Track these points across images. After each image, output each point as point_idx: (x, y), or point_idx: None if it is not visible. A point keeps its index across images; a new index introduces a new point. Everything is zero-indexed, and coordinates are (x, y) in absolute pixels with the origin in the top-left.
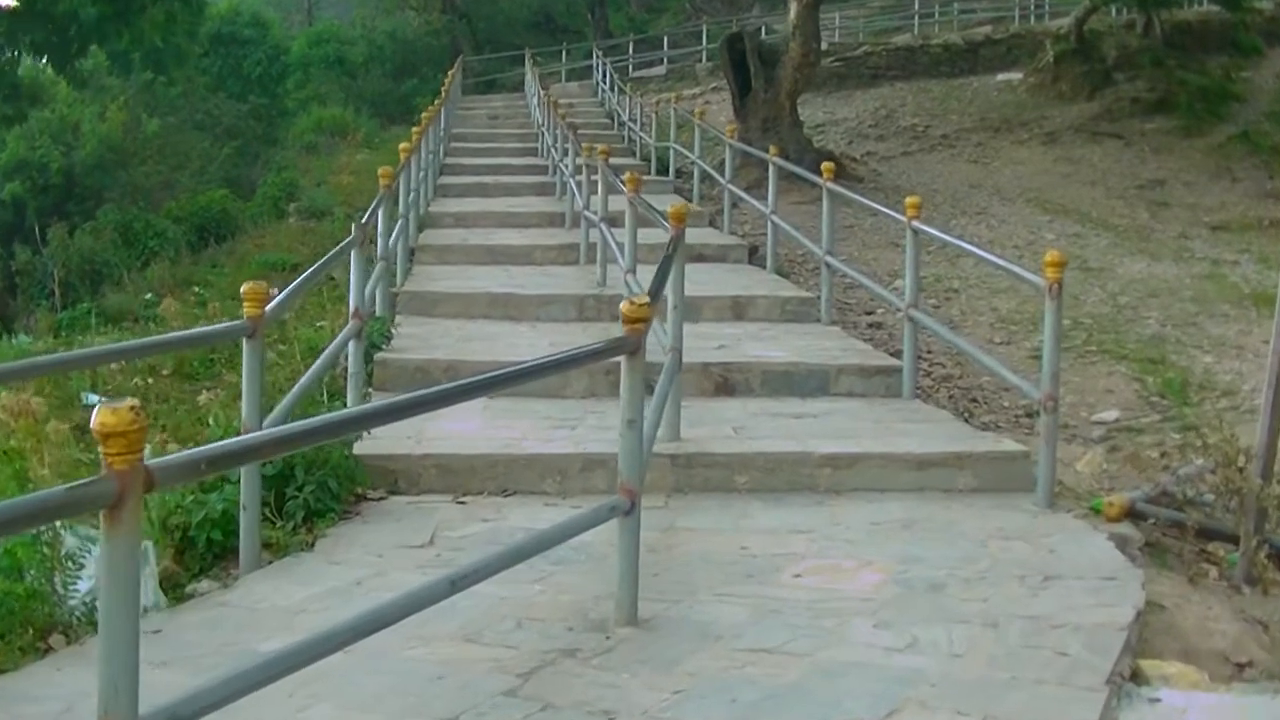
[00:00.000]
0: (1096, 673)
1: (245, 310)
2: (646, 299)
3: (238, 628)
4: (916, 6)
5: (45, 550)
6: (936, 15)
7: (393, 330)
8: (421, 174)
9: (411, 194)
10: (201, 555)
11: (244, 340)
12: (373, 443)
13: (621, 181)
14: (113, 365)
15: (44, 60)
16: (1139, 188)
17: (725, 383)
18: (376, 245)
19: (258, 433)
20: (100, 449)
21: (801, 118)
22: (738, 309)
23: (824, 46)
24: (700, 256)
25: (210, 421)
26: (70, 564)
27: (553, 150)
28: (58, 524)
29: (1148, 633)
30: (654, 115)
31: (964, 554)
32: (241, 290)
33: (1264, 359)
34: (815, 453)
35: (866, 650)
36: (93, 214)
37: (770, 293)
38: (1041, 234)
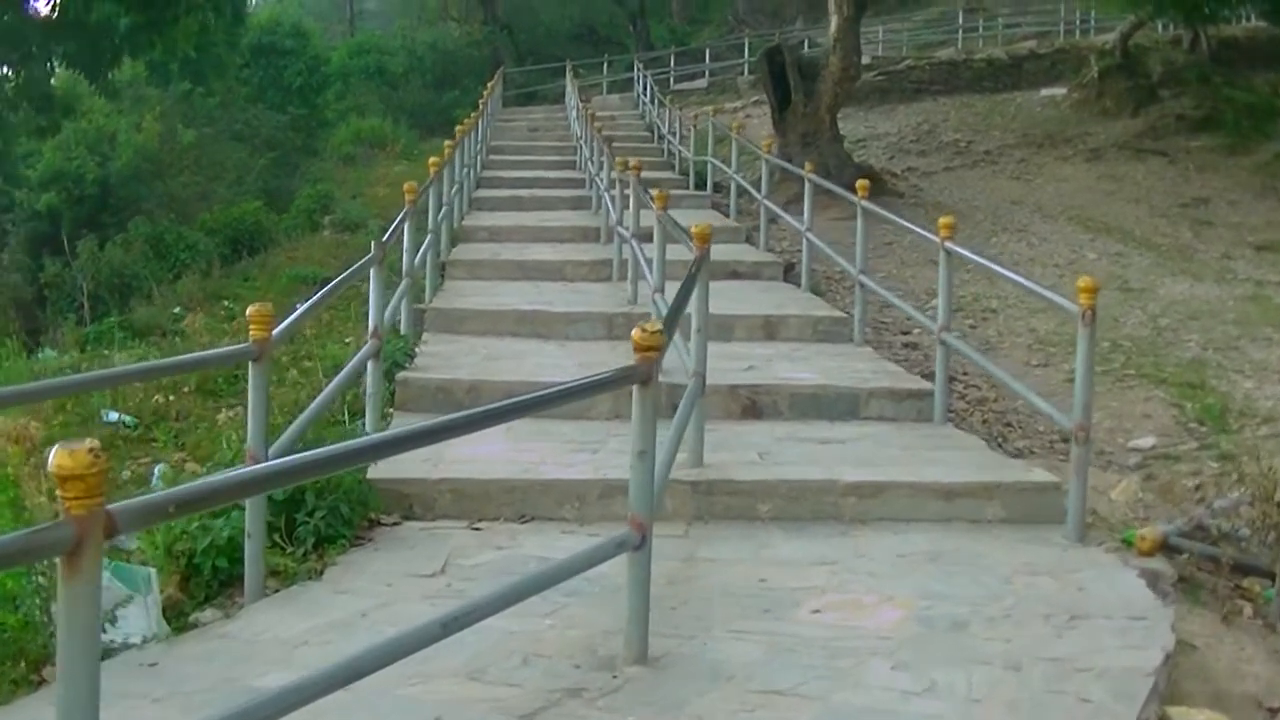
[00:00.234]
0: None
1: (251, 333)
2: (659, 326)
3: (236, 661)
4: (961, 20)
5: (40, 580)
6: (981, 29)
7: (417, 348)
8: (455, 187)
9: (444, 208)
10: (207, 583)
11: (250, 364)
12: (388, 466)
13: (651, 197)
14: (136, 383)
15: (78, 72)
16: (1183, 206)
17: (753, 405)
18: (402, 261)
19: (231, 473)
20: (58, 493)
21: (842, 132)
22: (769, 328)
23: (867, 60)
24: (734, 273)
25: (224, 444)
26: None
27: (589, 164)
28: None
29: (1177, 674)
30: (692, 129)
31: (989, 590)
32: (247, 313)
33: None
34: (840, 481)
35: (883, 694)
36: (127, 225)
37: (803, 312)
38: (1083, 253)
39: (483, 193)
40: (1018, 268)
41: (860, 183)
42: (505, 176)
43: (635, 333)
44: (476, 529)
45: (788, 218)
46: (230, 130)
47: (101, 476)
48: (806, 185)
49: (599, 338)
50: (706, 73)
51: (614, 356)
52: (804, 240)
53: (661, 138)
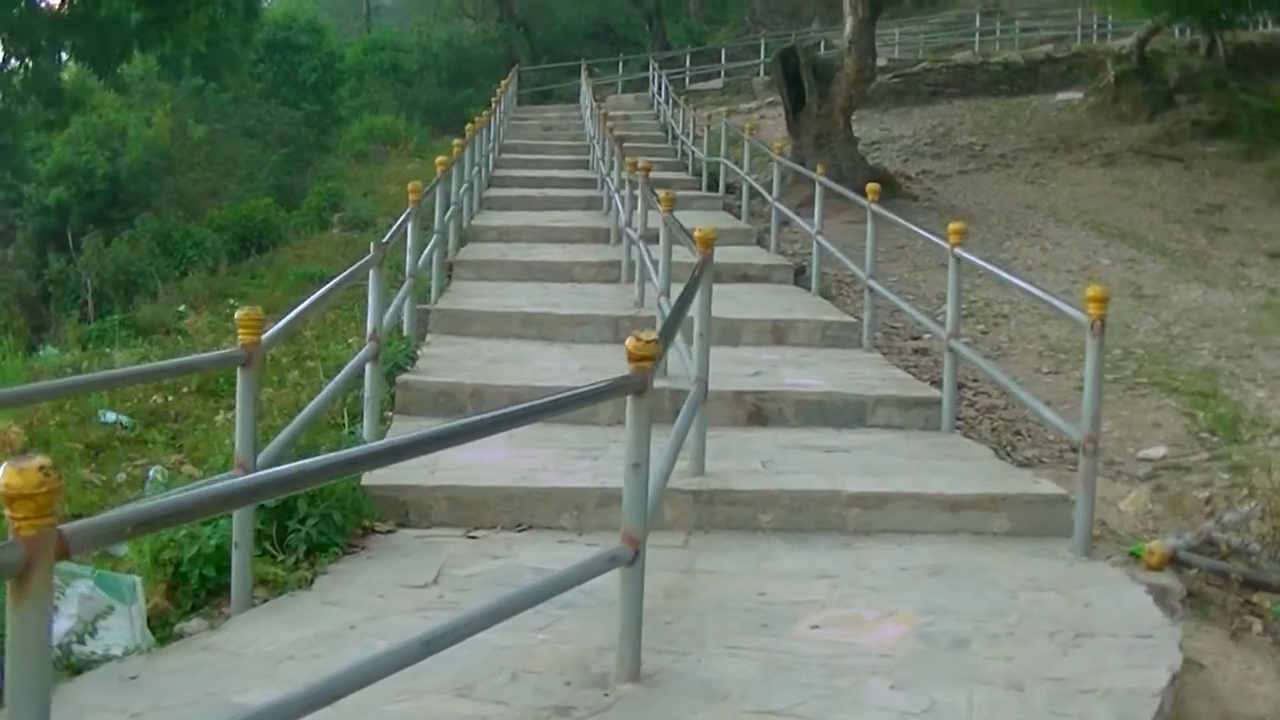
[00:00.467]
0: None
1: (240, 338)
2: (654, 336)
3: (218, 674)
4: (977, 23)
5: None
6: (998, 33)
7: (420, 350)
8: (464, 186)
9: (451, 208)
10: (194, 592)
11: (238, 369)
12: (383, 472)
13: (657, 199)
14: (137, 383)
15: (87, 66)
16: (1197, 212)
17: (758, 412)
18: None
19: (196, 490)
20: (6, 512)
21: (857, 134)
22: (778, 333)
23: (883, 62)
24: (744, 276)
25: (219, 449)
26: None
27: (600, 163)
28: None
29: (1184, 694)
30: (705, 129)
31: (992, 606)
32: (236, 317)
33: None
34: (844, 491)
35: (881, 715)
36: (135, 221)
37: (812, 316)
38: (1097, 258)
39: (494, 192)
40: (1030, 273)
41: (870, 186)
42: (517, 176)
43: (630, 342)
44: (473, 537)
45: (799, 220)
46: (243, 126)
47: (52, 496)
48: (817, 188)
49: (605, 341)
50: (722, 73)
51: (618, 360)
52: (814, 243)
53: (675, 138)
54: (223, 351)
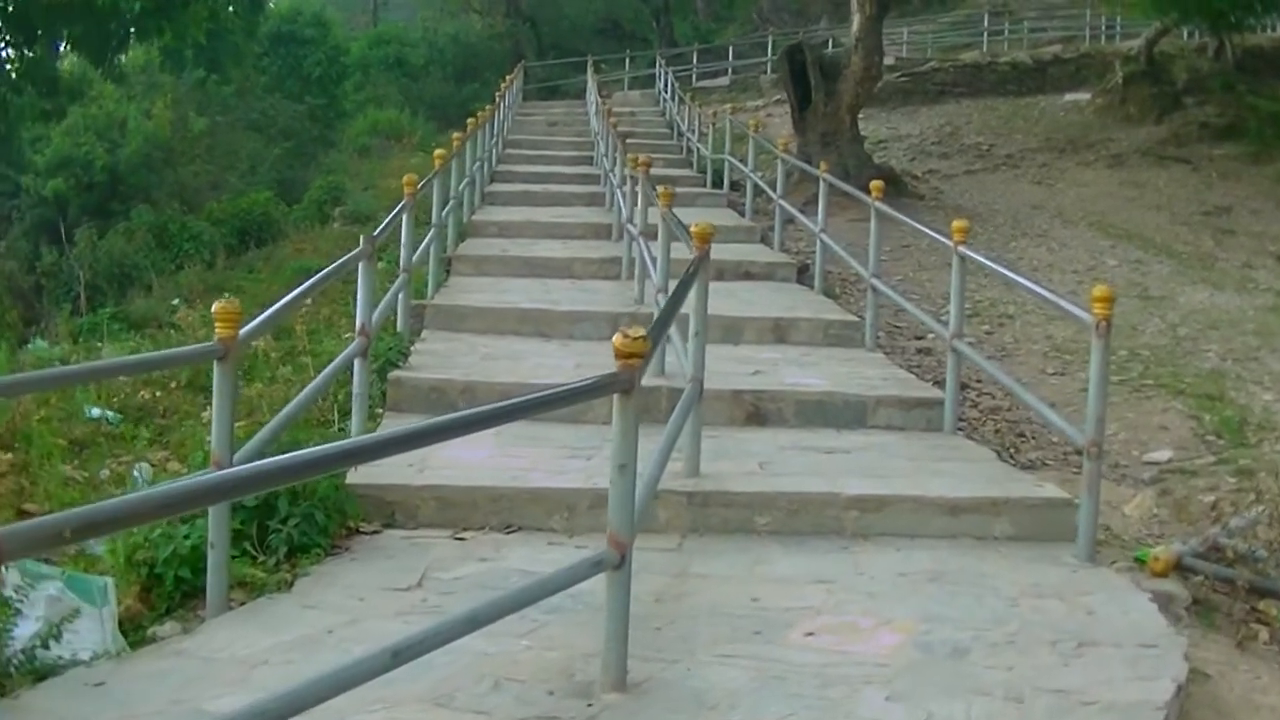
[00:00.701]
0: None
1: (217, 332)
2: (642, 332)
3: (189, 681)
4: (986, 23)
5: None
6: (1006, 33)
7: (414, 346)
8: (465, 181)
9: (450, 202)
10: (169, 593)
11: (215, 364)
12: (369, 471)
13: (656, 194)
14: (122, 377)
15: (83, 54)
16: (1205, 214)
17: (756, 412)
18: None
19: (133, 496)
20: None
21: (864, 133)
22: (779, 331)
23: (890, 61)
24: (747, 274)
25: (200, 446)
26: (8, 605)
27: (604, 159)
28: None
29: (1189, 704)
30: (711, 126)
31: (993, 613)
32: (213, 309)
33: None
34: (843, 494)
35: None
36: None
37: (814, 315)
38: (1103, 259)
39: (496, 187)
40: (1036, 273)
41: (874, 184)
42: (520, 171)
43: (617, 339)
44: (460, 539)
45: (802, 218)
46: (246, 119)
47: None
48: (821, 186)
49: (603, 338)
50: (729, 70)
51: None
52: (818, 241)
53: (681, 135)
54: (199, 346)
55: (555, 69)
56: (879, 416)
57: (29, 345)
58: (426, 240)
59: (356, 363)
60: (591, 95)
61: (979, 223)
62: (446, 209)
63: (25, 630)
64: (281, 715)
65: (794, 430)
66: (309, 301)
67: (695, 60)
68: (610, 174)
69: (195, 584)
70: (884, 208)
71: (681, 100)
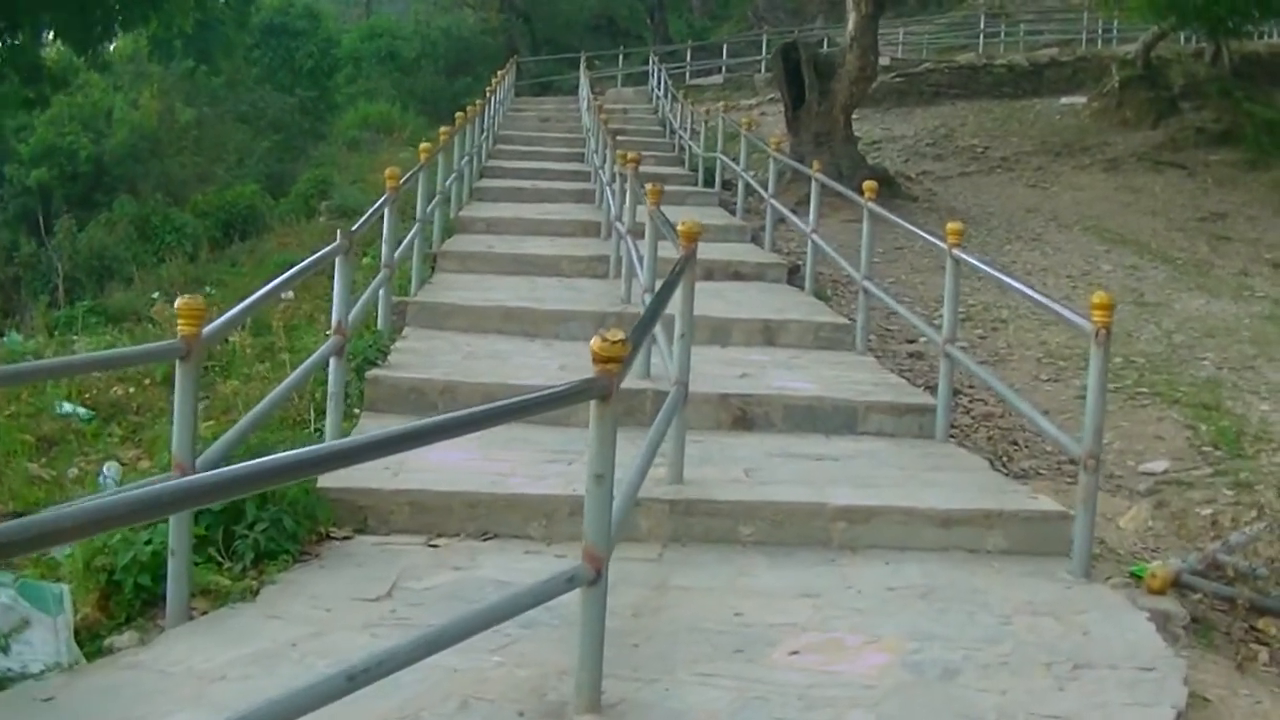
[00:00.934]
0: None
1: (179, 329)
2: (621, 336)
3: (141, 696)
4: (982, 25)
5: None
6: (1002, 35)
7: (394, 344)
8: (453, 176)
9: (436, 197)
10: (129, 601)
11: (177, 363)
12: (342, 473)
13: (644, 192)
14: (96, 373)
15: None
16: (1200, 220)
17: (744, 416)
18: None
19: (75, 507)
20: None
21: (858, 133)
22: (768, 333)
23: (886, 61)
24: (737, 274)
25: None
26: None
27: (594, 156)
28: None
29: None
30: (704, 124)
31: (985, 632)
32: (175, 306)
33: None
34: (830, 504)
35: None
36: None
37: (804, 317)
38: (1098, 264)
39: (485, 183)
40: (1030, 277)
41: (867, 184)
42: (510, 167)
43: (594, 342)
44: (434, 546)
45: (793, 218)
46: (235, 111)
47: None
48: (813, 186)
49: (589, 338)
50: (723, 68)
51: None
52: (809, 242)
53: (673, 133)
54: (161, 344)
55: (548, 65)
56: (869, 422)
57: (3, 338)
58: (410, 236)
59: (332, 361)
60: (584, 91)
61: (973, 225)
62: (432, 204)
63: None
64: None
65: (782, 436)
66: (290, 295)
67: (689, 58)
68: (600, 171)
69: (156, 591)
70: (877, 209)
71: (675, 98)
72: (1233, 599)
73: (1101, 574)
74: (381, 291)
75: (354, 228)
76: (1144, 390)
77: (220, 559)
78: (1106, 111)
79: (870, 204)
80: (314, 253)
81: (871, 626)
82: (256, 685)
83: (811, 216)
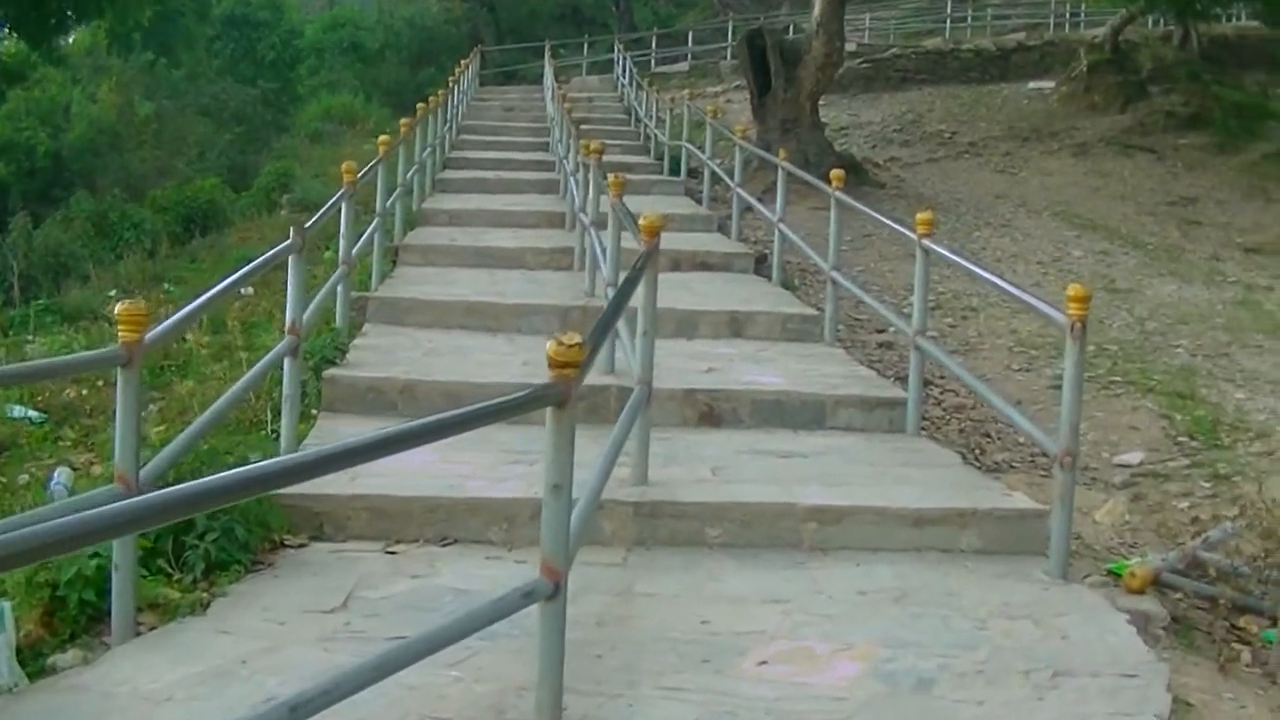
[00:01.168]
0: None
1: (120, 335)
2: (577, 340)
3: None
4: (949, 10)
5: None
6: (969, 20)
7: (353, 342)
8: (414, 168)
9: (398, 189)
10: (74, 618)
11: (118, 371)
12: None
13: (606, 183)
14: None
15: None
16: (1170, 204)
17: (710, 412)
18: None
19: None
20: None
21: (825, 120)
22: (735, 325)
23: (853, 47)
24: (704, 265)
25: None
26: None
27: (558, 146)
28: None
29: None
30: (669, 112)
31: (960, 638)
32: (116, 311)
33: None
34: (800, 504)
35: None
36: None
37: (771, 308)
38: (1068, 249)
39: (449, 174)
40: (1000, 264)
41: (835, 172)
42: (474, 158)
43: (551, 346)
44: (392, 553)
45: (760, 207)
46: (197, 104)
47: None
48: (780, 174)
49: (553, 332)
50: (689, 56)
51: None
52: (776, 231)
53: (639, 121)
54: (100, 351)
55: (513, 54)
56: (839, 417)
57: None
58: (370, 230)
59: (286, 363)
60: (549, 80)
61: (941, 212)
62: (393, 197)
63: None
64: None
65: (749, 432)
66: (250, 291)
67: (655, 46)
68: (564, 161)
69: (101, 607)
70: (844, 197)
71: (640, 86)
72: (1214, 598)
73: (1079, 572)
74: (340, 288)
75: (308, 224)
76: (1117, 379)
77: (170, 570)
78: (1075, 96)
79: (837, 192)
80: (275, 247)
81: (842, 633)
82: (204, 707)
83: (778, 205)
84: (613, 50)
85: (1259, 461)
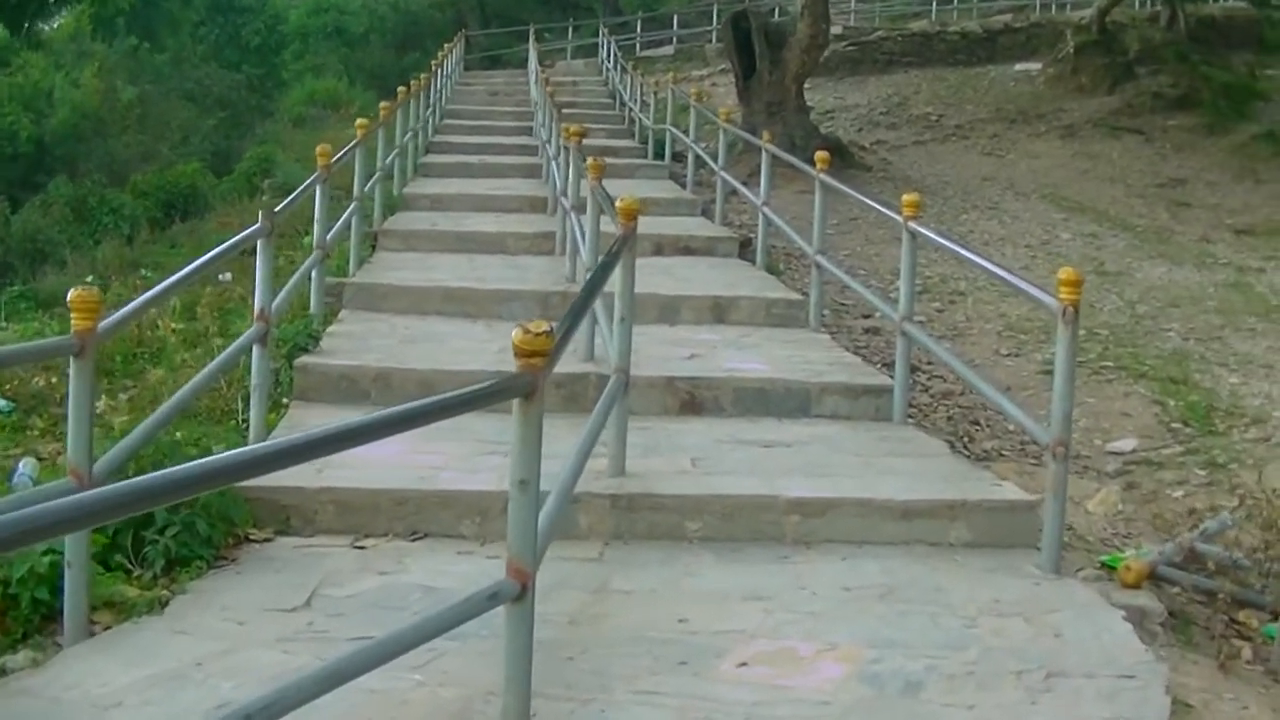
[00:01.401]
0: None
1: (73, 324)
2: (545, 328)
3: None
4: None
5: None
6: (955, 2)
7: (328, 329)
8: (395, 152)
9: (377, 173)
10: (27, 617)
11: (71, 360)
12: None
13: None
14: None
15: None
16: (1159, 186)
17: (692, 400)
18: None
19: None
20: None
21: (811, 103)
22: (718, 311)
23: (838, 29)
24: (687, 249)
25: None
26: None
27: (541, 130)
28: None
29: None
30: (653, 96)
31: (950, 637)
32: (69, 298)
33: None
34: (783, 496)
35: None
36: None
37: (756, 293)
38: (1056, 232)
39: (432, 158)
40: (988, 247)
41: (820, 155)
42: (457, 142)
43: (517, 334)
44: (359, 548)
45: (745, 191)
46: (181, 89)
47: None
48: (765, 157)
49: (533, 317)
50: (674, 39)
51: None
52: (760, 215)
53: (624, 105)
54: (52, 340)
55: (498, 38)
56: (824, 405)
57: None
58: (348, 214)
59: (255, 351)
60: (533, 64)
61: (928, 194)
62: (371, 181)
63: None
64: None
65: (732, 420)
66: (228, 277)
67: (640, 29)
68: (546, 145)
69: (55, 605)
70: (829, 180)
71: (625, 70)
72: (1213, 592)
73: (1071, 565)
74: (314, 273)
75: (277, 209)
76: (1109, 364)
77: (130, 566)
78: (1062, 78)
79: (822, 175)
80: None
81: (827, 633)
82: (155, 713)
83: (763, 188)
84: (598, 34)
85: (1255, 448)
